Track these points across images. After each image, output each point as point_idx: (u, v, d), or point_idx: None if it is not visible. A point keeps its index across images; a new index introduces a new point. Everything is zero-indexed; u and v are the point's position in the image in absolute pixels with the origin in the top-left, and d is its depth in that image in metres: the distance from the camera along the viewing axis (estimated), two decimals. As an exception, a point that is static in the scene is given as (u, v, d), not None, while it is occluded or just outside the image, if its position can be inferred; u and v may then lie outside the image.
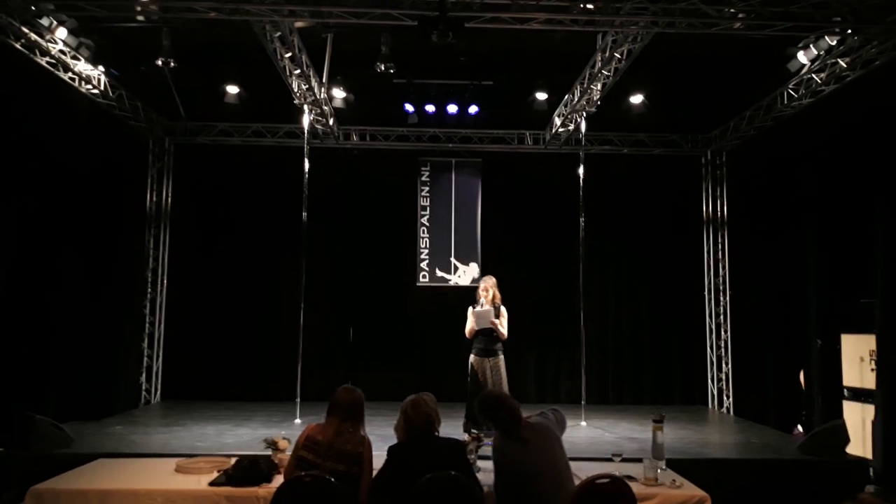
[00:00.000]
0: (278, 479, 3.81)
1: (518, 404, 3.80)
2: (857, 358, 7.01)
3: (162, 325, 9.95)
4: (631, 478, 4.02)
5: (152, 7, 6.51)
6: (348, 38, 7.81)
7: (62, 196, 7.84)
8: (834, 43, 6.89)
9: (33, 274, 7.35)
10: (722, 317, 10.07)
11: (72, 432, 6.53)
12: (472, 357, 6.88)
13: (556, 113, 9.37)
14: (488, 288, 6.88)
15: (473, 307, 6.91)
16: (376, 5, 6.34)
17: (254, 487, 3.86)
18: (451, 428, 6.79)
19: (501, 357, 6.86)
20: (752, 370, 9.32)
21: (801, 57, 7.28)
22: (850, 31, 6.58)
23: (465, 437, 6.58)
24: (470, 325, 6.85)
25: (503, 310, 6.85)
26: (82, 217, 8.17)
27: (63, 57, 7.28)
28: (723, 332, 10.03)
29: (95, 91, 8.08)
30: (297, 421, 7.73)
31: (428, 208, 10.40)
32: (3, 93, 6.61)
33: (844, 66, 7.04)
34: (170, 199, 10.15)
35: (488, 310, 6.78)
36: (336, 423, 3.71)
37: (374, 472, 3.76)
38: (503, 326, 6.79)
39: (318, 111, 8.84)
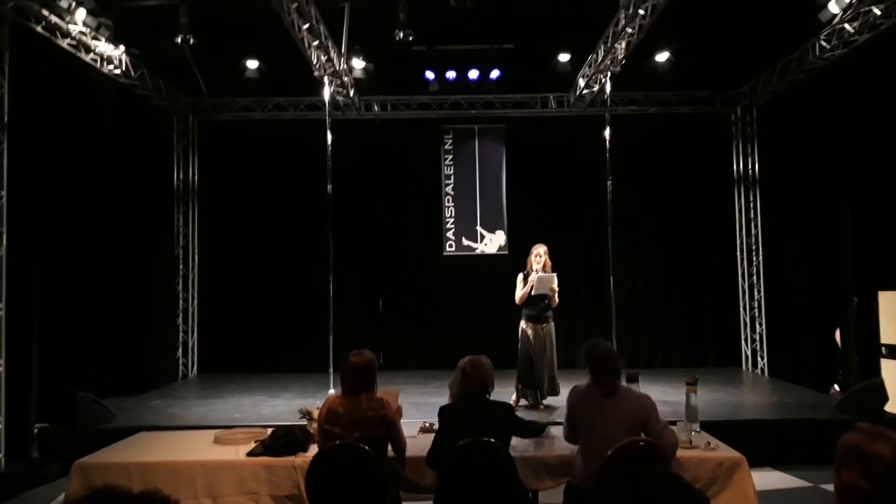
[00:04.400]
0: (314, 449, 3.85)
1: (620, 365, 3.85)
2: (894, 315, 6.87)
3: (195, 301, 10.12)
4: (665, 440, 3.99)
5: (168, -17, 6.49)
6: (366, 6, 7.70)
7: (91, 177, 7.96)
8: (868, -11, 6.63)
9: (68, 255, 7.49)
10: (755, 277, 9.93)
11: (113, 407, 6.72)
12: (523, 323, 6.91)
13: (579, 74, 9.19)
14: (541, 254, 6.86)
15: (525, 274, 6.89)
16: (393, -29, 6.24)
17: (290, 457, 3.91)
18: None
19: (553, 324, 6.90)
20: (786, 330, 9.21)
21: (833, 6, 7.01)
22: (885, -24, 6.34)
23: (513, 396, 6.73)
24: (523, 291, 6.84)
25: (555, 276, 6.87)
26: (112, 198, 8.30)
27: (83, 38, 7.29)
28: (756, 293, 9.89)
29: (117, 71, 8.08)
30: (332, 391, 7.82)
31: (452, 177, 10.34)
32: (27, 77, 6.64)
33: (878, 13, 6.77)
34: (196, 176, 10.25)
35: (552, 276, 6.79)
36: (353, 391, 3.68)
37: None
38: (556, 293, 6.82)
39: (339, 82, 8.78)
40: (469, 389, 3.75)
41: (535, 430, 4.18)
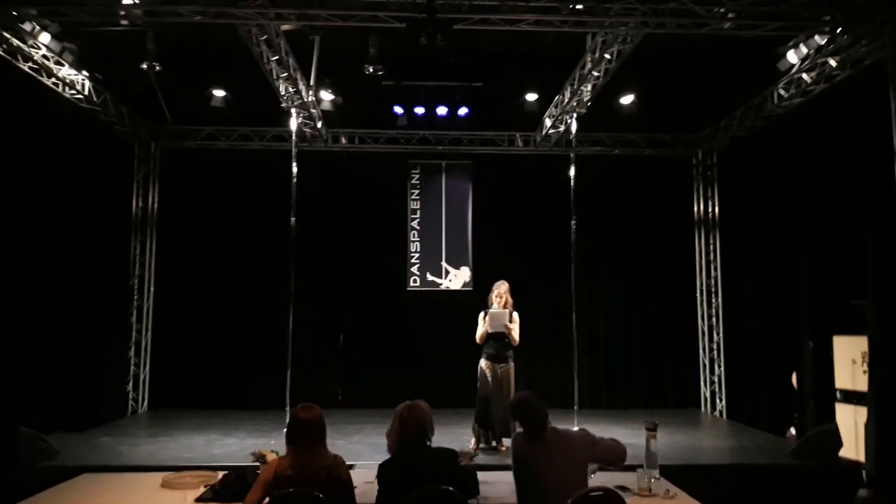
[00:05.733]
0: (265, 495, 3.71)
1: (545, 410, 3.82)
2: (849, 360, 6.98)
3: (149, 333, 9.81)
4: (624, 488, 3.96)
5: (136, 12, 6.41)
6: (336, 39, 7.72)
7: (45, 203, 7.73)
8: (823, 42, 6.86)
9: (15, 281, 7.23)
10: (714, 318, 10.04)
11: (57, 444, 6.44)
12: (482, 361, 6.85)
13: (546, 114, 9.32)
14: (502, 294, 6.83)
15: (486, 312, 6.86)
16: (363, 7, 6.26)
17: (241, 503, 3.77)
18: (443, 435, 6.71)
19: (512, 364, 6.85)
20: (744, 372, 9.30)
21: (791, 56, 7.25)
22: (839, 30, 6.56)
23: (472, 441, 6.63)
24: (482, 329, 6.79)
25: (515, 315, 6.83)
26: (66, 224, 8.05)
27: (46, 62, 7.16)
28: (715, 335, 9.99)
29: (79, 96, 7.95)
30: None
31: (418, 211, 10.32)
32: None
33: (834, 65, 7.01)
34: (156, 205, 10.03)
35: (504, 312, 6.75)
36: (304, 451, 3.42)
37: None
38: (516, 332, 6.75)
39: (306, 114, 8.75)
40: (408, 434, 3.60)
41: (471, 491, 3.76)
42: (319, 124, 9.26)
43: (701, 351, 10.13)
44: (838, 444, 6.39)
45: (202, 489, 3.96)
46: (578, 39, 7.49)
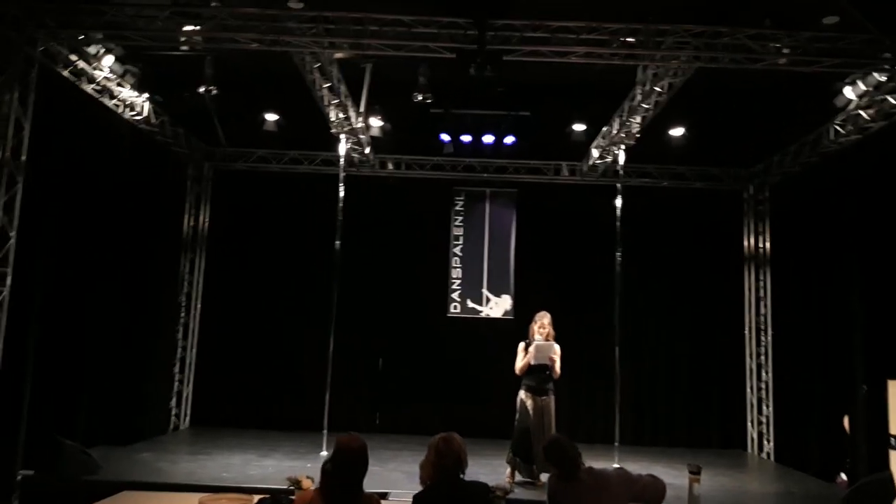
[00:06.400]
0: (300, 521, 3.68)
1: (577, 451, 3.78)
2: (905, 406, 6.69)
3: (193, 350, 9.99)
4: (666, 533, 3.84)
5: (196, 38, 6.61)
6: (386, 68, 7.83)
7: (100, 219, 7.97)
8: (883, 79, 6.68)
9: (69, 296, 7.44)
10: (763, 357, 9.74)
11: (99, 457, 6.56)
12: (522, 393, 6.76)
13: (593, 144, 9.25)
14: (545, 325, 6.77)
15: (527, 343, 6.78)
16: (415, 38, 6.35)
17: (275, 528, 3.78)
18: (480, 466, 6.66)
19: (553, 397, 6.74)
20: (794, 414, 8.98)
21: (849, 92, 7.07)
22: (899, 68, 6.40)
23: (507, 470, 6.53)
24: (524, 360, 6.72)
25: (557, 348, 6.75)
26: (119, 240, 8.28)
27: (108, 84, 7.43)
28: (764, 374, 9.69)
29: (139, 117, 8.21)
30: (324, 453, 7.63)
31: (461, 238, 10.33)
32: (48, 118, 6.73)
33: (894, 102, 6.82)
34: (207, 224, 10.26)
35: (549, 344, 6.67)
36: (339, 486, 3.19)
37: None
38: (558, 364, 6.68)
39: (355, 140, 8.87)
40: (444, 467, 3.52)
41: None
42: (367, 150, 9.38)
43: (748, 390, 9.83)
44: (893, 493, 6.10)
45: (238, 512, 3.98)
46: (629, 70, 7.44)
